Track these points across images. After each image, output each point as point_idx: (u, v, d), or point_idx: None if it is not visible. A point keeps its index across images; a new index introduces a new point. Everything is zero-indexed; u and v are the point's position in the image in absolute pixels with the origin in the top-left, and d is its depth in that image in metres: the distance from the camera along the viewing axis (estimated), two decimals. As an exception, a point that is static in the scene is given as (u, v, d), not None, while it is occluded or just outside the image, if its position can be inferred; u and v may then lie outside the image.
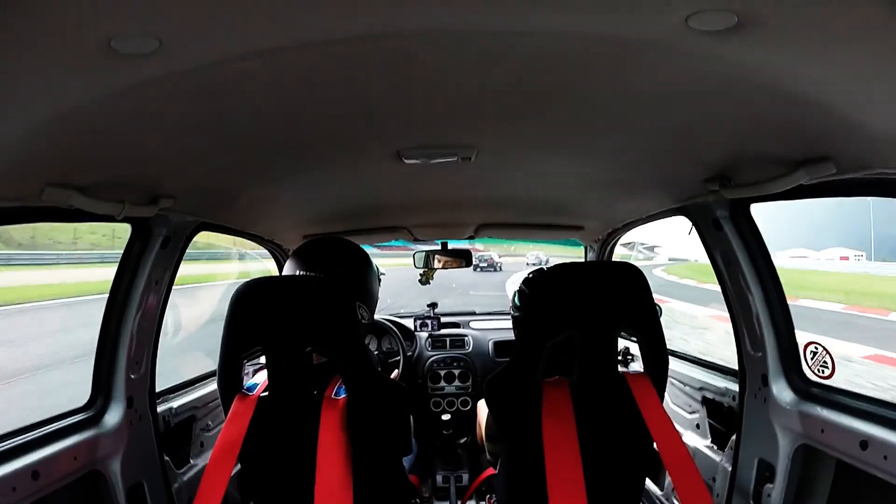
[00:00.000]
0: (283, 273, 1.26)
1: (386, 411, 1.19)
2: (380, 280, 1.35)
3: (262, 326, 1.12)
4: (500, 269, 24.60)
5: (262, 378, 1.18)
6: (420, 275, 2.79)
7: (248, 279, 1.16)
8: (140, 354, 1.43)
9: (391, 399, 1.21)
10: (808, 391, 1.35)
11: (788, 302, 1.43)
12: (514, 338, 2.63)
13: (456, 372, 2.58)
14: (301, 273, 1.23)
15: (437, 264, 2.66)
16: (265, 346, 1.11)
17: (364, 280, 1.28)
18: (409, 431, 1.30)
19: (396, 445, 1.28)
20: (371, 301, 1.30)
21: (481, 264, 24.69)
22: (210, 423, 1.81)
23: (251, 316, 1.13)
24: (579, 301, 1.23)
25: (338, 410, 1.11)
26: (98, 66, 0.67)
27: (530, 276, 1.60)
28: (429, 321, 2.78)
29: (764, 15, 0.61)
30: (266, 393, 1.14)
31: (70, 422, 1.28)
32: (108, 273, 1.45)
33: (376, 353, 2.63)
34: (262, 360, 1.19)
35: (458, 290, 14.54)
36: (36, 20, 0.56)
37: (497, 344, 2.69)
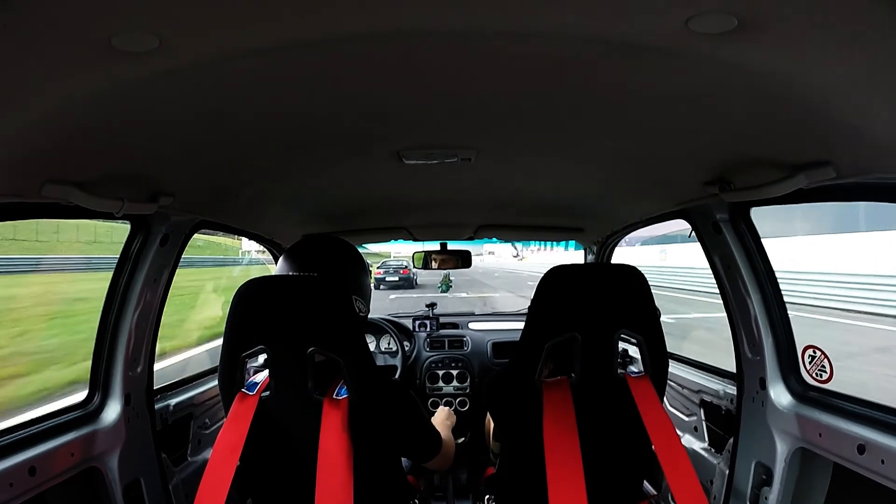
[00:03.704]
0: (276, 272, 1.26)
1: (388, 411, 1.19)
2: (369, 272, 1.36)
3: (265, 326, 1.12)
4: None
5: (261, 377, 1.18)
6: (440, 282, 2.84)
7: (251, 278, 1.16)
8: (138, 352, 1.44)
9: (394, 399, 1.21)
10: (805, 395, 1.35)
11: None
12: (512, 339, 2.65)
13: (454, 372, 2.59)
14: (294, 272, 1.23)
15: (434, 265, 2.67)
16: (267, 345, 1.11)
17: (357, 275, 1.29)
18: (423, 431, 1.27)
19: (412, 445, 1.27)
20: (365, 295, 1.31)
21: (388, 277, 17.57)
22: (208, 420, 1.81)
23: (253, 315, 1.13)
24: (581, 302, 1.23)
25: (340, 410, 1.11)
26: (98, 64, 0.67)
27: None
28: (427, 322, 2.78)
29: (764, 18, 0.61)
30: (267, 392, 1.14)
31: (67, 418, 1.28)
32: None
33: (374, 352, 2.64)
34: (261, 360, 1.19)
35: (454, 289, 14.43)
36: (37, 17, 0.56)
37: (495, 345, 2.69)
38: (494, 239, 2.68)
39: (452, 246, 2.70)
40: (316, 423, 1.09)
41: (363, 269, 1.32)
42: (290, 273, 1.23)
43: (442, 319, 2.85)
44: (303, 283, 1.16)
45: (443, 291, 3.14)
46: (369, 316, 2.69)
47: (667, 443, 1.14)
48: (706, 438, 1.76)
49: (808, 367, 1.36)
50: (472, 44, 0.72)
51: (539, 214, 2.17)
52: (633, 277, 1.25)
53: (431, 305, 2.86)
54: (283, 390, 1.13)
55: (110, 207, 1.11)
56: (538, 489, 1.11)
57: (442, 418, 1.71)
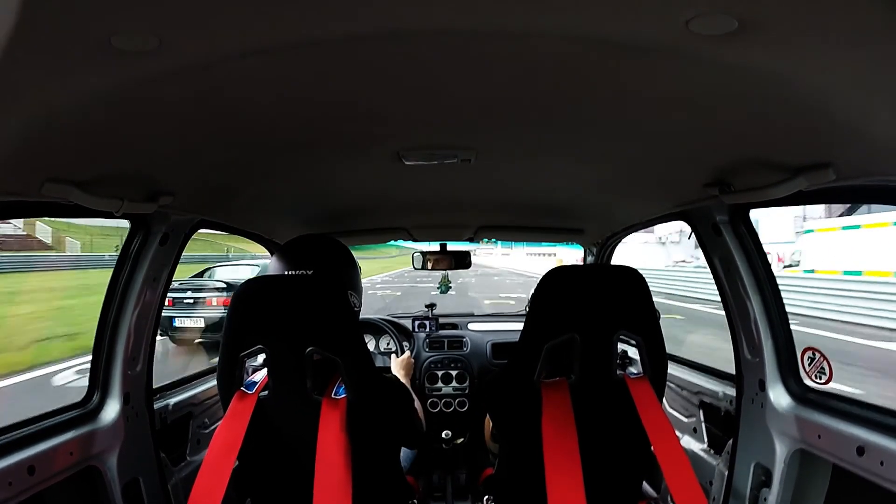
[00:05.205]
0: (269, 271, 1.26)
1: (387, 409, 1.19)
2: (360, 269, 1.38)
3: (264, 325, 1.12)
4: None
5: (260, 377, 1.18)
6: (439, 283, 2.87)
7: (250, 278, 1.16)
8: (137, 351, 1.44)
9: (392, 397, 1.21)
10: (805, 396, 1.35)
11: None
12: (511, 340, 2.65)
13: (453, 373, 2.58)
14: (288, 271, 1.23)
15: (429, 265, 2.67)
16: (266, 345, 1.11)
17: (350, 273, 1.30)
18: (415, 423, 1.30)
19: (404, 436, 1.30)
20: (358, 291, 1.33)
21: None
22: (207, 420, 1.81)
23: (252, 315, 1.13)
24: (580, 303, 1.23)
25: (338, 410, 1.11)
26: (98, 63, 0.67)
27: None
28: (427, 322, 2.78)
29: (765, 20, 0.61)
30: (265, 392, 1.14)
31: (66, 417, 1.28)
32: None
33: (374, 352, 2.64)
34: (260, 359, 1.19)
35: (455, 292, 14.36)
36: (37, 17, 0.56)
37: (495, 346, 2.68)
38: (496, 240, 2.68)
39: (452, 247, 2.70)
40: (314, 422, 1.09)
41: (355, 266, 1.34)
42: (285, 272, 1.23)
43: (441, 320, 2.84)
44: (302, 283, 1.16)
45: (442, 292, 3.18)
46: (369, 316, 2.72)
47: (666, 444, 1.14)
48: (705, 440, 1.76)
49: (808, 369, 1.36)
50: (472, 44, 0.72)
51: (539, 215, 2.17)
52: (632, 279, 1.25)
53: (431, 306, 2.85)
54: (281, 390, 1.13)
55: (110, 206, 1.12)
56: (537, 490, 1.11)
57: (398, 367, 1.75)
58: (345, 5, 0.62)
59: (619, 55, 0.73)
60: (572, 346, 1.20)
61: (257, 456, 1.15)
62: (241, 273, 8.54)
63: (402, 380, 1.46)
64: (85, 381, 1.40)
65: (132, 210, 1.18)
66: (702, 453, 1.73)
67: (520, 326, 1.33)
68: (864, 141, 0.86)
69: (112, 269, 1.43)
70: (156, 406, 1.53)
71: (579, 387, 1.21)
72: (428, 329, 2.76)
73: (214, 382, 1.57)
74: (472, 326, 2.88)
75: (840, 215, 14.57)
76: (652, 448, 1.16)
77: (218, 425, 1.13)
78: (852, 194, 1.10)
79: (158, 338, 1.55)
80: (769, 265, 1.44)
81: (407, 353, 1.90)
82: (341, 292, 1.16)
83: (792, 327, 1.43)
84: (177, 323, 7.41)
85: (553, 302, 1.24)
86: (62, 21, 0.58)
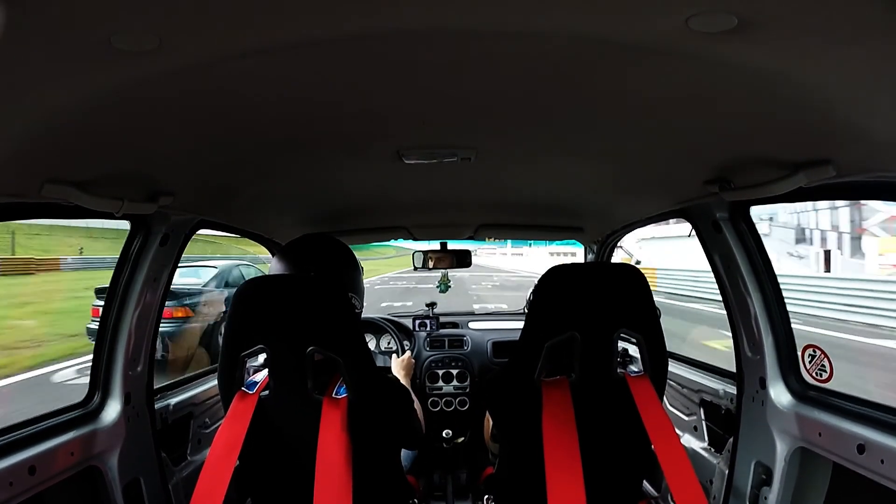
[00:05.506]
0: (271, 271, 1.27)
1: (387, 409, 1.19)
2: (362, 270, 1.39)
3: (265, 325, 1.12)
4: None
5: (261, 377, 1.18)
6: (438, 282, 2.92)
7: (251, 277, 1.16)
8: (138, 351, 1.44)
9: (391, 398, 1.22)
10: (805, 394, 1.35)
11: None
12: (512, 338, 2.66)
13: (454, 372, 2.58)
14: (291, 272, 1.23)
15: (430, 264, 2.67)
16: (267, 344, 1.11)
17: (352, 274, 1.30)
18: (413, 425, 1.31)
19: (403, 438, 1.30)
20: (360, 292, 1.33)
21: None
22: (208, 420, 1.82)
23: (253, 315, 1.13)
24: (580, 301, 1.23)
25: (339, 410, 1.11)
26: (98, 63, 0.67)
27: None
28: (427, 321, 2.78)
29: (764, 17, 0.61)
30: (266, 392, 1.14)
31: (67, 417, 1.28)
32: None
33: (374, 351, 2.64)
34: (261, 359, 1.19)
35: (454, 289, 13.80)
36: (36, 16, 0.56)
37: (495, 344, 2.69)
38: (498, 241, 2.68)
39: (453, 245, 2.70)
40: (315, 422, 1.10)
41: (357, 267, 1.34)
42: (287, 272, 1.23)
43: (442, 319, 2.84)
44: (303, 283, 1.16)
45: (441, 291, 3.20)
46: (370, 315, 2.72)
47: (666, 442, 1.14)
48: (706, 438, 1.76)
49: (808, 367, 1.36)
50: (471, 44, 0.72)
51: (539, 213, 2.18)
52: (632, 277, 1.25)
53: (431, 305, 2.86)
54: (282, 390, 1.13)
55: (110, 207, 1.12)
56: (537, 489, 1.11)
57: (398, 367, 1.75)
58: (345, 5, 0.62)
59: (619, 53, 0.73)
60: (573, 344, 1.20)
61: (258, 456, 1.16)
62: (201, 276, 7.18)
63: (403, 380, 1.47)
64: None
65: (132, 210, 1.18)
66: (702, 452, 1.73)
67: (520, 325, 1.33)
68: (864, 138, 0.86)
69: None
70: (156, 406, 1.53)
71: (580, 385, 1.21)
72: (429, 328, 2.76)
73: (215, 382, 1.58)
74: (472, 325, 2.88)
75: None
76: (652, 446, 1.16)
77: (219, 425, 1.13)
78: (852, 191, 1.10)
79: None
80: (770, 262, 1.44)
81: (407, 354, 1.90)
82: (342, 294, 1.16)
83: None
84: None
85: (553, 300, 1.24)
86: (62, 21, 0.58)
